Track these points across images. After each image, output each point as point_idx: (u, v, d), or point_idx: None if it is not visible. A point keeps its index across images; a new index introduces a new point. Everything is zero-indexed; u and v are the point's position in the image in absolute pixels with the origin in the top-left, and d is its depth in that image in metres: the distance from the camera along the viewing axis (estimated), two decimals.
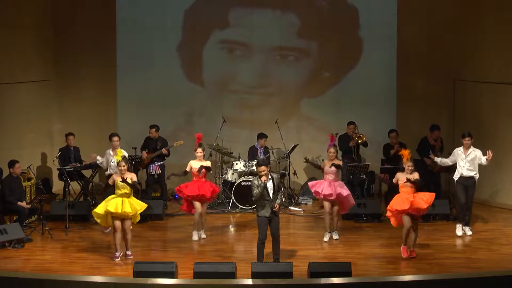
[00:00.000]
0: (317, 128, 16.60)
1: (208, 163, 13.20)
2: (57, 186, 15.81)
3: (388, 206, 12.26)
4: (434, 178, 15.11)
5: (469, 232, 13.37)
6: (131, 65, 16.66)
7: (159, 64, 16.63)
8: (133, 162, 15.28)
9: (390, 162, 15.01)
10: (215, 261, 11.83)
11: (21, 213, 13.46)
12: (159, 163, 15.26)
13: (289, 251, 12.44)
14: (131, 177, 12.11)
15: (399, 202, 12.08)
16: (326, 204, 12.98)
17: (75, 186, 15.29)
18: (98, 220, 12.21)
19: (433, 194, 12.29)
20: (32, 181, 14.56)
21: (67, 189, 14.04)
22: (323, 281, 10.02)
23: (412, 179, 12.05)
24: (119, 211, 11.86)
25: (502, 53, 15.11)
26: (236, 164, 15.30)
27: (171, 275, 10.48)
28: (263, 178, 11.30)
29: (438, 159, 13.81)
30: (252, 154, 15.57)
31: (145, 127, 15.58)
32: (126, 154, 13.14)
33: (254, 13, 16.64)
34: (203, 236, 13.27)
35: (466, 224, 13.44)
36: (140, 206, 12.17)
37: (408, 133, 15.78)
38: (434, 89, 16.50)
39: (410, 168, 12.12)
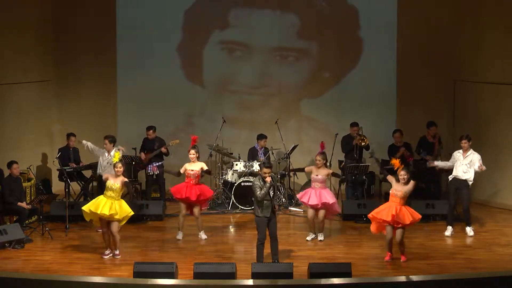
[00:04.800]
0: (317, 128, 16.60)
1: (201, 166, 13.17)
2: (57, 186, 15.81)
3: (373, 212, 12.09)
4: (434, 178, 15.11)
5: (471, 233, 13.35)
6: (131, 65, 16.66)
7: (159, 64, 16.62)
8: (133, 163, 15.33)
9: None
10: (215, 261, 11.84)
11: (21, 213, 13.46)
12: (157, 164, 15.26)
13: (289, 251, 12.45)
14: (122, 180, 12.11)
15: (384, 211, 11.96)
16: (310, 212, 13.06)
17: (75, 186, 15.29)
18: (86, 218, 12.31)
19: (420, 216, 12.08)
20: (32, 181, 14.56)
21: (67, 190, 14.04)
22: (323, 281, 10.03)
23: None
24: (98, 212, 11.91)
25: (502, 54, 15.12)
26: (236, 164, 15.29)
27: (171, 275, 10.49)
28: (268, 179, 11.37)
29: (438, 163, 13.81)
30: (252, 155, 15.58)
31: (145, 127, 15.56)
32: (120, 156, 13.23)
33: (254, 14, 16.64)
34: (204, 237, 13.27)
35: (467, 224, 13.45)
36: (121, 211, 12.05)
37: (408, 133, 15.76)
38: (434, 89, 16.50)
39: (403, 177, 11.86)
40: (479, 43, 15.59)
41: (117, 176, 12.09)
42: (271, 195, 11.46)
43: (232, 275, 10.53)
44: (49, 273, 11.44)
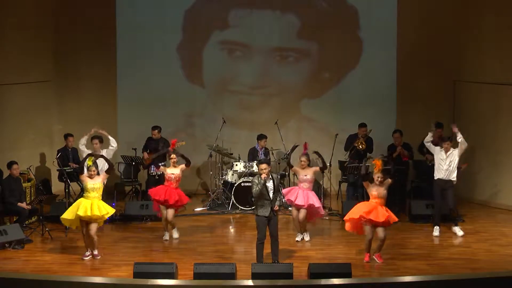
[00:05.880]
0: (317, 128, 16.60)
1: (181, 168, 13.20)
2: (57, 187, 15.80)
3: (351, 213, 12.00)
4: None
5: (460, 233, 13.34)
6: (131, 65, 16.65)
7: (159, 64, 16.62)
8: (133, 163, 15.33)
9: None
10: (215, 262, 11.83)
11: (21, 214, 13.46)
12: (160, 164, 15.22)
13: (289, 251, 12.45)
14: (102, 179, 12.17)
15: (362, 208, 11.89)
16: (295, 212, 13.05)
17: (75, 187, 15.27)
18: (67, 225, 12.29)
19: (395, 219, 11.99)
20: (32, 182, 14.55)
21: (67, 190, 14.03)
22: (323, 282, 10.02)
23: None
24: (88, 214, 11.90)
25: (501, 54, 15.12)
26: (236, 165, 15.30)
27: (171, 276, 10.49)
28: (263, 176, 11.33)
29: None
30: (252, 155, 15.58)
31: (145, 127, 15.58)
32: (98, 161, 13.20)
33: (254, 14, 16.63)
34: (176, 235, 13.26)
35: (455, 224, 13.44)
36: (107, 210, 12.15)
37: (408, 133, 15.75)
38: (434, 89, 16.50)
39: (379, 179, 11.83)
40: (479, 43, 15.59)
41: (92, 178, 12.08)
42: (271, 195, 11.43)
43: (232, 276, 10.53)
44: (49, 273, 11.43)
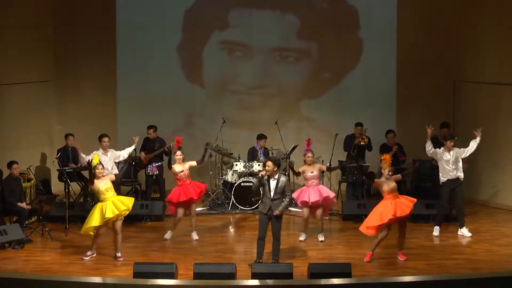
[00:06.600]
0: (317, 128, 16.60)
1: (189, 164, 13.18)
2: (57, 186, 15.81)
3: (372, 220, 11.83)
4: (435, 178, 15.10)
5: (469, 234, 13.34)
6: (131, 65, 16.66)
7: (159, 64, 16.62)
8: (133, 163, 15.33)
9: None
10: (215, 261, 11.83)
11: (21, 214, 13.46)
12: (157, 164, 15.24)
13: (289, 251, 12.45)
14: (110, 178, 12.15)
15: (385, 213, 11.75)
16: (306, 211, 13.02)
17: (75, 187, 15.28)
18: (92, 232, 12.07)
19: (414, 200, 12.01)
20: (32, 182, 14.55)
21: (67, 190, 14.03)
22: (323, 282, 10.03)
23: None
24: (117, 212, 11.88)
25: (501, 54, 15.12)
26: (236, 165, 15.30)
27: (171, 276, 10.49)
28: (263, 173, 11.40)
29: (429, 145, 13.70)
30: (252, 155, 15.59)
31: (145, 127, 15.56)
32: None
33: (254, 14, 16.64)
34: (196, 237, 13.25)
35: (461, 225, 13.42)
36: (129, 201, 12.17)
37: (408, 134, 15.78)
38: (434, 90, 16.50)
39: (389, 173, 11.84)
40: (479, 43, 15.60)
41: (99, 177, 12.02)
42: (272, 194, 11.42)
43: (232, 275, 10.53)
44: (48, 273, 11.43)
